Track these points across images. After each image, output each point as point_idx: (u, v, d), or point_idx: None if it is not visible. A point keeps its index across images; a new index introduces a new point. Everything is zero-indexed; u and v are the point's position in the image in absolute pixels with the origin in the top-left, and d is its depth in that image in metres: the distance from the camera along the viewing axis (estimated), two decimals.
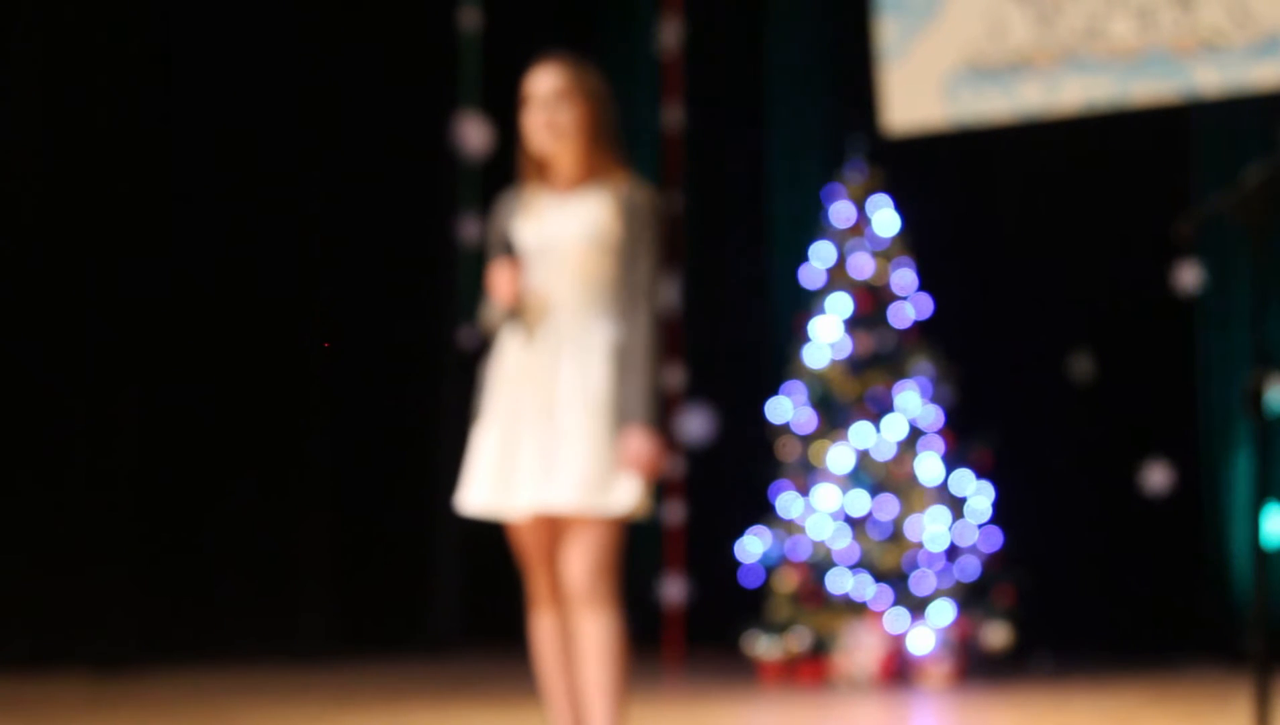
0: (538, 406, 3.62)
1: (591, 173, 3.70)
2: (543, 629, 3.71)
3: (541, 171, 3.74)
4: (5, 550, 7.09)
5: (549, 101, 3.67)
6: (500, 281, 3.64)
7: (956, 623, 6.89)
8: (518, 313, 3.64)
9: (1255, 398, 3.36)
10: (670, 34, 8.50)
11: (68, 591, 7.18)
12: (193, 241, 7.71)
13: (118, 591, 7.27)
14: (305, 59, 7.99)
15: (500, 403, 3.68)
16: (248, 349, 7.82)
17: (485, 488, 3.65)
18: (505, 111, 8.49)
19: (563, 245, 3.64)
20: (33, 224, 7.27)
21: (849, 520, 7.05)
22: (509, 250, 3.64)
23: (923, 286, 7.41)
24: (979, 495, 7.15)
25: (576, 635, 3.62)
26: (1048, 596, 7.28)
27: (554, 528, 3.69)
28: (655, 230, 3.69)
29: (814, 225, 7.63)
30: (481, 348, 3.84)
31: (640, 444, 3.57)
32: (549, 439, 3.60)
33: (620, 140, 3.76)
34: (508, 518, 3.67)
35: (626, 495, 3.58)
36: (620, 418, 3.59)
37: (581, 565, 3.59)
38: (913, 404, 7.16)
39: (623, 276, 3.64)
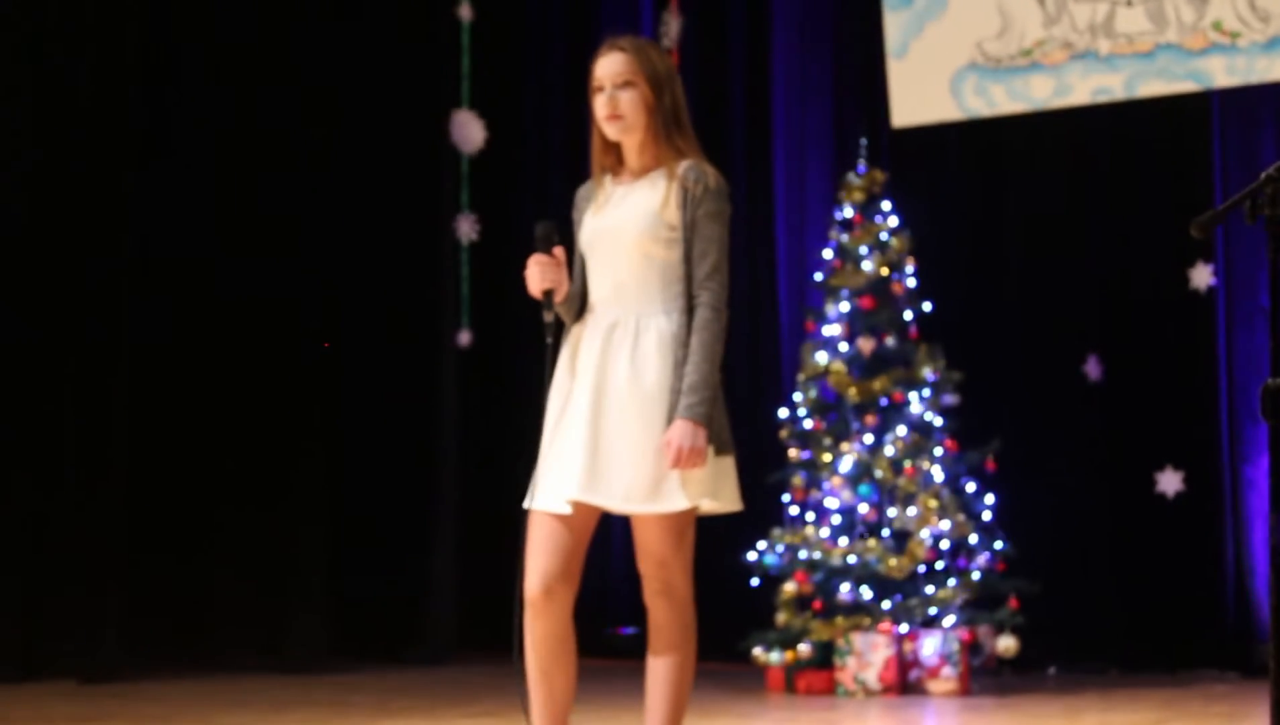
0: (588, 401, 3.57)
1: (657, 160, 3.67)
2: (537, 628, 3.59)
3: (614, 159, 3.74)
4: None
5: (610, 89, 3.66)
6: (530, 276, 3.63)
7: (963, 630, 6.78)
8: (547, 306, 3.64)
9: (1274, 400, 3.27)
10: (670, 33, 8.43)
11: (60, 600, 7.12)
12: (189, 242, 7.66)
13: (110, 599, 7.20)
14: (303, 56, 7.92)
15: (556, 399, 3.66)
16: (244, 351, 7.76)
17: (542, 487, 3.60)
18: (501, 109, 8.57)
19: (618, 235, 3.63)
20: (23, 224, 7.18)
21: (853, 525, 6.94)
22: (549, 245, 3.63)
23: (926, 287, 7.31)
24: (986, 501, 7.04)
25: (650, 628, 3.65)
26: (1056, 604, 7.17)
27: (590, 521, 3.62)
28: (720, 218, 3.68)
29: (815, 225, 7.57)
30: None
31: (679, 437, 3.50)
32: (599, 433, 3.54)
33: (688, 124, 3.71)
34: (556, 511, 3.57)
35: (678, 492, 3.52)
36: (670, 411, 3.54)
37: (647, 561, 3.61)
38: (918, 407, 7.06)
39: (683, 267, 3.62)
